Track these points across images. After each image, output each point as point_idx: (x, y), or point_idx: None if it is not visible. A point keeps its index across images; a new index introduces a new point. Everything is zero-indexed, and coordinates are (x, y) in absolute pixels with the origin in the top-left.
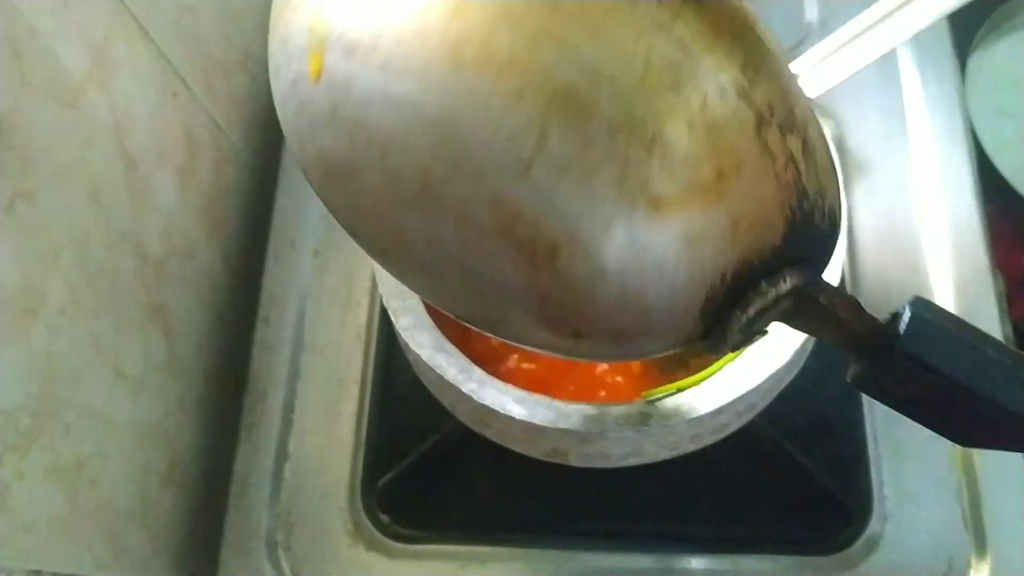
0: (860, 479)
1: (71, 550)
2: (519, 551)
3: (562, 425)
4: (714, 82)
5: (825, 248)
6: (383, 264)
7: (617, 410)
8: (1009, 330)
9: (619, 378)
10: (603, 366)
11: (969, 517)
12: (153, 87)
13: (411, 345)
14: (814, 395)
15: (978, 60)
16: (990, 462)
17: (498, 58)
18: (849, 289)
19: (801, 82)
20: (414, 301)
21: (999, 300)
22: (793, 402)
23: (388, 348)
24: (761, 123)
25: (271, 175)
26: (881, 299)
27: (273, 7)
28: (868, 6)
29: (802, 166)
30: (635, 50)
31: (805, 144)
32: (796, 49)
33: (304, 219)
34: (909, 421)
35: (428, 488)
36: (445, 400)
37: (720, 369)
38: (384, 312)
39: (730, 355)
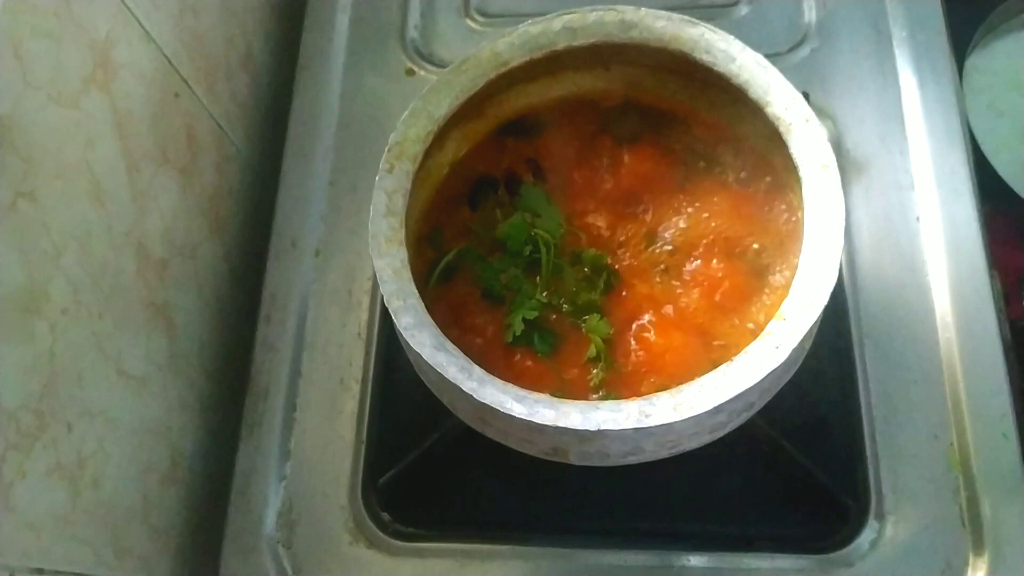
0: (858, 478)
1: (73, 548)
2: (519, 549)
3: (562, 424)
4: None
5: None
6: None
7: (616, 408)
8: (1007, 329)
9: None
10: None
11: (966, 516)
12: (155, 88)
13: (412, 344)
14: (812, 394)
15: (975, 61)
16: (987, 461)
17: None
18: (847, 289)
19: None
20: (414, 300)
21: (996, 299)
22: (791, 401)
23: (389, 347)
24: None
25: (272, 175)
26: (879, 298)
27: None
28: (865, 7)
29: None
30: None
31: None
32: (795, 50)
33: (305, 219)
34: (908, 420)
35: (429, 486)
36: (445, 399)
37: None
38: (385, 311)
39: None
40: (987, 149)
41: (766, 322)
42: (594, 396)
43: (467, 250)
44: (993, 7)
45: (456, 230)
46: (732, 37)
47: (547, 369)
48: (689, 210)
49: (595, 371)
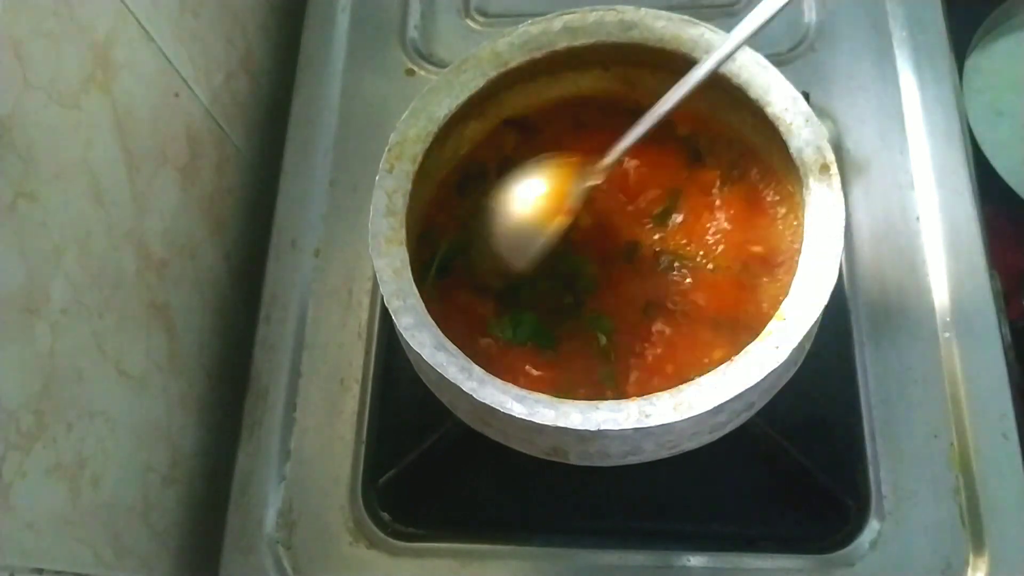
0: (858, 478)
1: (73, 548)
2: (519, 549)
3: (562, 424)
4: None
5: None
6: None
7: (617, 408)
8: (1006, 330)
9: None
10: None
11: (967, 516)
12: (155, 88)
13: (412, 344)
14: (813, 394)
15: (975, 61)
16: (987, 461)
17: None
18: (847, 288)
19: None
20: (414, 300)
21: (996, 299)
22: (792, 401)
23: (389, 347)
24: None
25: (272, 175)
26: (879, 298)
27: None
28: (866, 7)
29: None
30: None
31: None
32: (795, 50)
33: (305, 219)
34: (908, 420)
35: (429, 486)
36: (445, 399)
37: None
38: (385, 311)
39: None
40: (987, 149)
41: (766, 321)
42: (607, 393)
43: (459, 241)
44: (993, 8)
45: (450, 224)
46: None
47: (551, 362)
48: (688, 208)
49: (603, 370)
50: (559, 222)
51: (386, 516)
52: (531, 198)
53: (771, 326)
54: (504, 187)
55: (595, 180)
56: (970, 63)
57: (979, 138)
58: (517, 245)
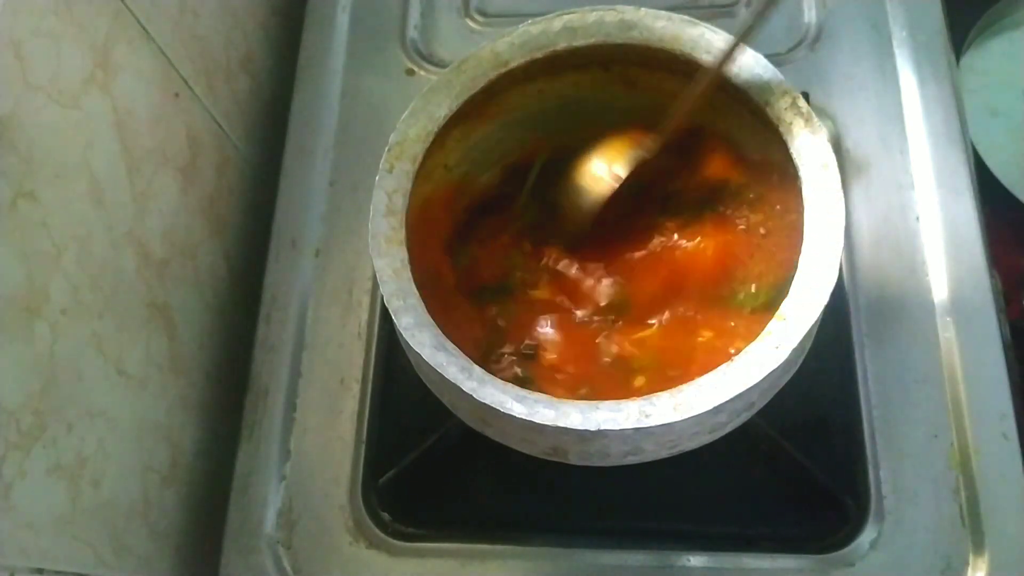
0: (858, 478)
1: (73, 548)
2: (519, 549)
3: (561, 424)
4: None
5: None
6: None
7: (617, 408)
8: (1007, 330)
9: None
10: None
11: (967, 515)
12: (155, 88)
13: (412, 344)
14: (813, 394)
15: (970, 60)
16: (987, 461)
17: None
18: (847, 289)
19: None
20: (415, 300)
21: (996, 300)
22: (792, 401)
23: (389, 347)
24: None
25: (272, 175)
26: (879, 298)
27: None
28: (866, 7)
29: None
30: None
31: None
32: (794, 50)
33: (305, 219)
34: (908, 420)
35: (429, 486)
36: (445, 399)
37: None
38: (385, 311)
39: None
40: (982, 149)
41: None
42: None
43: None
44: (987, 7)
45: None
46: (732, 37)
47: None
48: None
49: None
50: (607, 187)
51: (386, 516)
52: (588, 170)
53: (771, 326)
54: (577, 161)
55: (645, 153)
56: (965, 62)
57: (974, 138)
58: (578, 205)
